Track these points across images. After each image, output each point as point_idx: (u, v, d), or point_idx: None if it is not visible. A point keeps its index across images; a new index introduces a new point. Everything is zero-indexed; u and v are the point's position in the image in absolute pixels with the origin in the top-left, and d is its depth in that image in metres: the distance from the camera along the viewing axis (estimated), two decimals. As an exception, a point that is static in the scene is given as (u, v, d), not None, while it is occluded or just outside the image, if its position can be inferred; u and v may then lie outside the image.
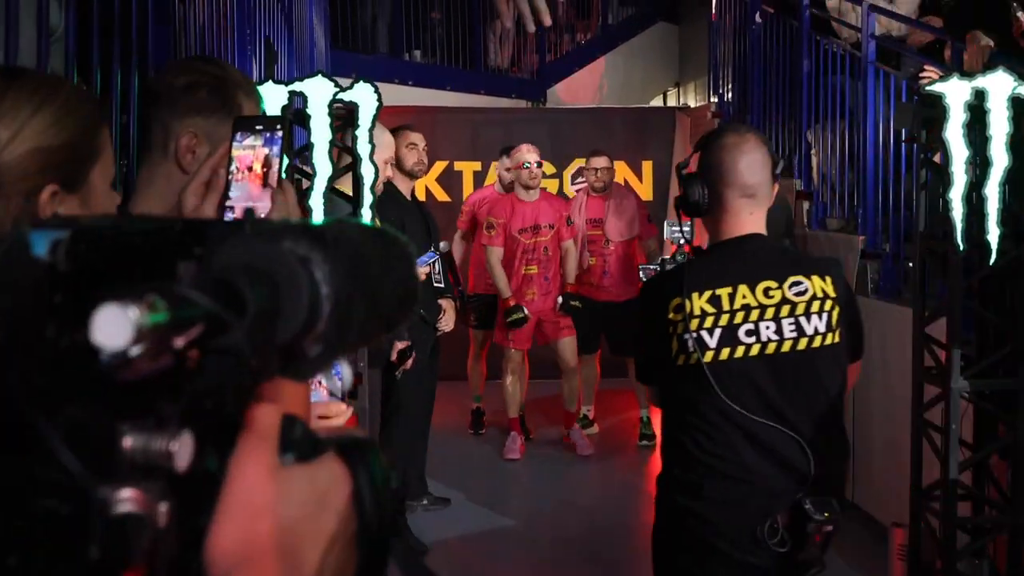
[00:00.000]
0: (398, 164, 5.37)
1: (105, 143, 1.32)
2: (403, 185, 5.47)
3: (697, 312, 2.65)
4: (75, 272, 0.65)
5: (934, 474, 4.52)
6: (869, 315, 5.42)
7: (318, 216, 3.89)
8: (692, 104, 10.31)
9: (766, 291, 2.68)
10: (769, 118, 7.68)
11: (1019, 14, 4.95)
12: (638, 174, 8.83)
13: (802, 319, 2.66)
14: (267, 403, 0.67)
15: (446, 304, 5.53)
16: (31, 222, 0.68)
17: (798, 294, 2.68)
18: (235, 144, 1.53)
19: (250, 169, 1.52)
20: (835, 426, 2.73)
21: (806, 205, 6.82)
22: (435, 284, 5.63)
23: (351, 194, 4.22)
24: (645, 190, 8.71)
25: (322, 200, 3.94)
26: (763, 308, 2.66)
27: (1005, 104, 4.13)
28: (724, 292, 2.68)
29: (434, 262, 5.53)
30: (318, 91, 3.94)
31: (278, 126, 1.53)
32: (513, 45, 10.26)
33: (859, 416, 5.76)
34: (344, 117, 4.09)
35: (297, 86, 3.95)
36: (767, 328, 2.65)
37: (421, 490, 5.87)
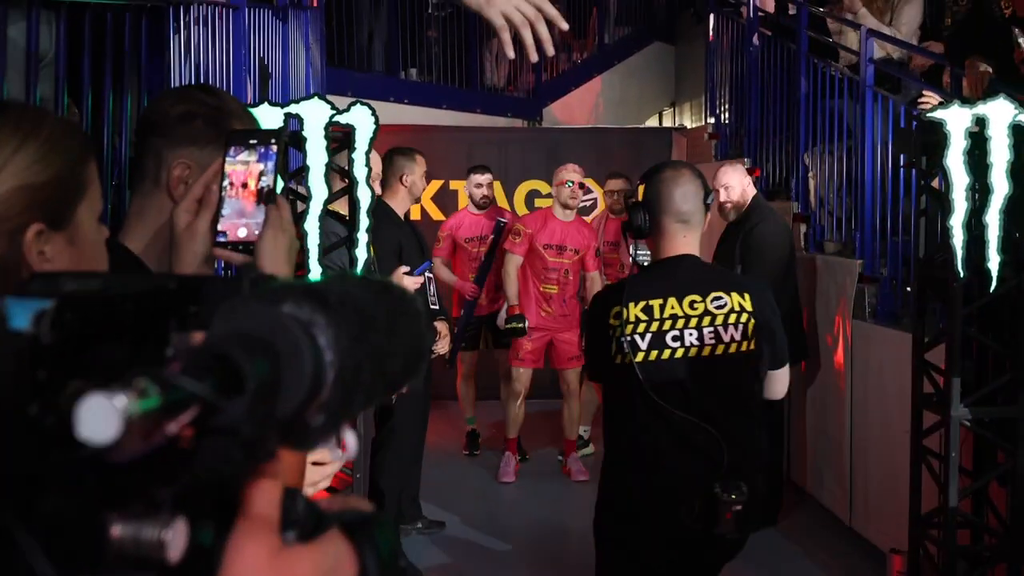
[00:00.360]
0: (411, 190, 5.41)
1: (92, 177, 1.27)
2: (401, 207, 5.46)
3: (632, 319, 3.11)
4: (60, 344, 0.62)
5: (932, 501, 4.50)
6: (866, 340, 5.60)
7: (313, 239, 3.84)
8: (688, 124, 10.25)
9: (691, 303, 3.13)
10: (766, 140, 7.64)
11: (1020, 40, 4.94)
12: (636, 194, 8.60)
13: (720, 328, 3.11)
14: (266, 478, 0.65)
15: (441, 327, 5.49)
16: (13, 290, 0.64)
17: (718, 307, 3.13)
18: (228, 159, 1.51)
19: (244, 185, 1.49)
20: (747, 420, 3.13)
21: (803, 228, 6.80)
22: (431, 306, 5.58)
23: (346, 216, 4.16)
24: None
25: (318, 223, 3.91)
26: (688, 318, 3.12)
27: (1006, 132, 4.13)
28: (656, 303, 3.13)
29: (428, 282, 5.46)
30: (314, 113, 3.90)
31: (272, 140, 1.51)
32: (509, 64, 10.27)
33: (856, 442, 5.72)
34: (341, 139, 4.06)
35: (293, 108, 3.92)
36: (690, 335, 3.10)
37: (415, 513, 5.81)
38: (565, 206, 6.75)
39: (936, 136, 4.21)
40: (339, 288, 0.67)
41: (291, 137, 3.87)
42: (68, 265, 1.20)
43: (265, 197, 1.50)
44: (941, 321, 4.58)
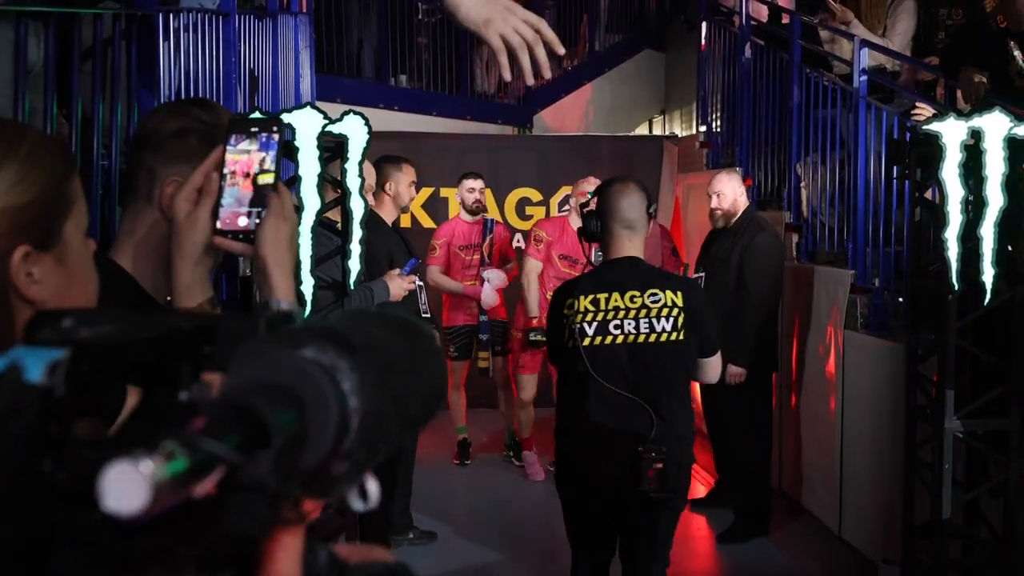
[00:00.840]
0: (396, 198, 5.37)
1: (76, 192, 1.22)
2: (388, 215, 5.41)
3: (582, 309, 3.67)
4: (73, 395, 0.60)
5: (925, 512, 4.50)
6: (858, 350, 5.59)
7: (306, 250, 3.80)
8: (679, 133, 10.23)
9: (631, 298, 3.66)
10: (758, 149, 7.60)
11: (1016, 52, 4.94)
12: None
13: (654, 320, 3.64)
14: (287, 532, 0.63)
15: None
16: (25, 340, 0.63)
17: (654, 302, 3.65)
18: (229, 147, 1.49)
19: (246, 174, 1.48)
20: (674, 398, 3.67)
21: (795, 238, 6.79)
22: (423, 315, 5.54)
23: (339, 226, 4.16)
24: None
25: (311, 234, 3.87)
26: (628, 310, 3.65)
27: (1001, 144, 4.12)
28: (602, 296, 3.68)
29: (420, 290, 5.43)
30: (307, 123, 3.87)
31: (274, 129, 1.49)
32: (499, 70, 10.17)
33: (848, 452, 5.72)
34: (333, 149, 4.02)
35: (285, 117, 3.89)
36: (629, 324, 3.65)
37: (406, 524, 5.77)
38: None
39: (931, 148, 4.21)
40: (362, 330, 0.65)
41: (284, 146, 3.91)
42: (58, 285, 1.17)
43: (266, 186, 1.48)
44: (933, 333, 4.60)
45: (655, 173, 8.88)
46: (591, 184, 6.61)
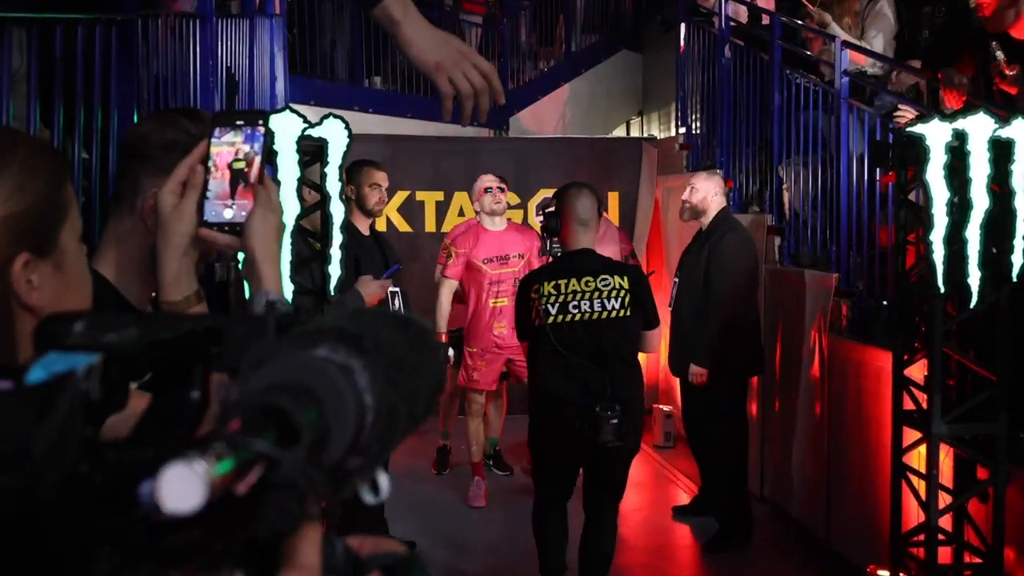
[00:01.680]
0: (358, 202, 5.31)
1: (70, 197, 1.24)
2: (361, 223, 5.39)
3: (546, 293, 4.46)
4: (107, 399, 0.63)
5: (911, 517, 4.54)
6: (843, 355, 5.60)
7: (284, 256, 3.81)
8: (657, 134, 10.26)
9: (586, 282, 4.47)
10: (739, 151, 7.64)
11: (998, 53, 5.00)
12: (606, 204, 8.58)
13: (605, 300, 4.46)
14: (308, 529, 0.66)
15: None
16: (40, 345, 0.66)
17: (605, 285, 4.47)
18: (214, 140, 1.51)
19: (230, 167, 1.50)
20: (624, 365, 4.51)
21: (777, 241, 6.82)
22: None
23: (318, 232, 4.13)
24: (612, 219, 8.52)
25: (290, 240, 3.90)
26: (583, 292, 4.44)
27: (985, 146, 4.16)
28: (563, 281, 4.48)
29: (393, 296, 5.34)
30: (285, 127, 3.89)
31: (260, 121, 1.51)
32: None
33: (833, 458, 5.75)
34: (313, 153, 4.03)
35: None
36: (585, 304, 4.44)
37: (380, 533, 5.72)
38: (492, 213, 6.64)
39: (915, 150, 4.24)
40: (369, 328, 0.68)
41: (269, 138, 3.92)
42: (57, 291, 1.19)
43: (239, 171, 1.51)
44: (919, 337, 4.62)
45: (634, 175, 8.89)
46: (488, 179, 6.79)
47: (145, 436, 0.62)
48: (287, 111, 3.95)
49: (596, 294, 4.45)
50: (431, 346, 0.74)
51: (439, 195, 8.41)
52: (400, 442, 0.69)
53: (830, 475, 5.75)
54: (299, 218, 3.94)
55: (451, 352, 6.30)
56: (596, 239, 4.73)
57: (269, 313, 0.75)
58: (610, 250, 6.86)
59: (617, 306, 4.46)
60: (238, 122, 1.52)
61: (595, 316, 4.45)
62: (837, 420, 5.69)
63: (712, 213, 5.98)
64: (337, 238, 4.15)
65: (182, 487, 0.53)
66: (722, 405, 5.82)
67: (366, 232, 5.36)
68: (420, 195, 8.47)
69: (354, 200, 5.26)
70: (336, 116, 4.10)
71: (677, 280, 6.07)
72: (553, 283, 4.48)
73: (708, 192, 6.00)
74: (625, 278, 4.52)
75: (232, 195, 1.51)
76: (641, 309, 4.53)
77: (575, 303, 4.45)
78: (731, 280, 5.73)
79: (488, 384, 6.77)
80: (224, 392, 0.63)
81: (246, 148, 1.51)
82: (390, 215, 8.30)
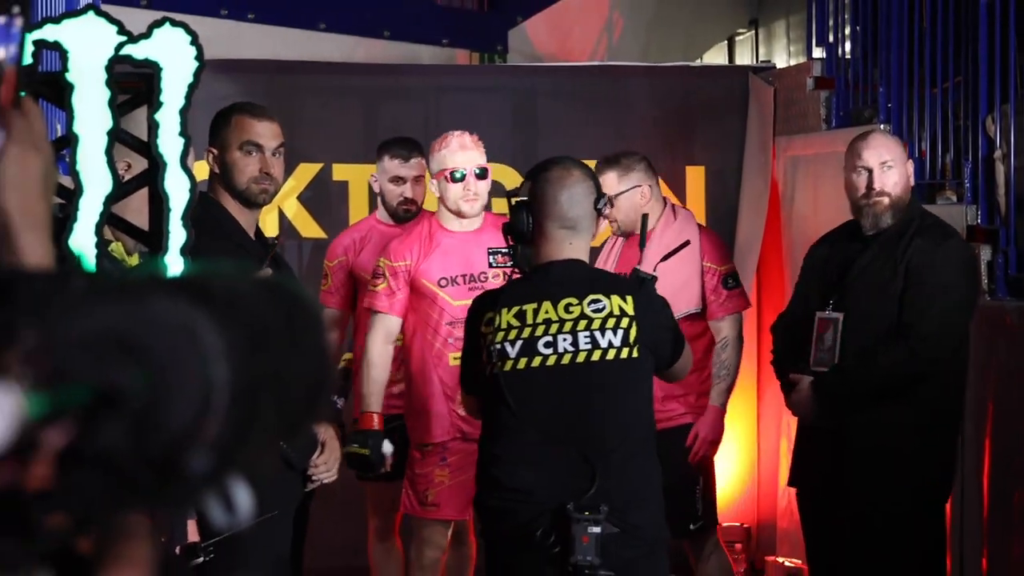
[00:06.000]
0: (225, 177, 4.48)
1: None
2: (241, 215, 4.50)
3: (504, 325, 3.88)
4: None
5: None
6: None
7: (80, 276, 1.95)
8: (778, 62, 8.71)
9: (567, 307, 3.87)
10: (917, 93, 6.28)
11: None
12: (679, 188, 7.15)
13: (597, 333, 3.84)
14: (132, 548, 0.66)
15: (325, 432, 4.46)
16: None
17: (596, 311, 3.85)
18: None
19: None
20: (631, 439, 3.82)
21: (985, 253, 5.71)
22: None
23: (145, 227, 3.61)
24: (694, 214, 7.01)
25: (94, 239, 3.36)
26: (562, 322, 3.85)
27: None
28: (530, 308, 3.89)
29: None
30: (87, 41, 3.43)
31: (14, 8, 1.28)
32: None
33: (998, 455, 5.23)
34: (136, 89, 3.58)
35: (48, 33, 3.41)
36: (564, 340, 3.83)
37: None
38: (459, 212, 5.35)
39: None
40: (223, 282, 0.67)
41: (45, 85, 3.45)
42: None
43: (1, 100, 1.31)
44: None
45: (733, 135, 7.39)
46: (457, 148, 5.72)
47: None
48: (90, 12, 3.48)
49: (583, 324, 3.85)
50: (312, 319, 0.73)
51: (375, 170, 6.61)
52: (265, 446, 0.68)
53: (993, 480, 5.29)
54: (109, 201, 3.37)
55: (387, 450, 5.30)
56: (614, 251, 4.92)
57: (76, 266, 0.88)
58: (685, 273, 6.00)
59: (617, 342, 3.82)
60: None
61: (580, 358, 3.84)
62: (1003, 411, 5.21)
63: (905, 203, 5.18)
64: (178, 235, 3.55)
65: None
66: (909, 555, 4.88)
67: (249, 231, 4.53)
68: (341, 171, 6.87)
69: (219, 174, 4.50)
70: (176, 24, 3.56)
71: (836, 318, 5.08)
72: (516, 310, 3.89)
73: (907, 169, 5.17)
74: (628, 299, 3.89)
75: None
76: (654, 347, 3.91)
77: (549, 339, 3.84)
78: (944, 319, 4.91)
79: (455, 511, 5.37)
80: (26, 338, 0.61)
81: None
82: (284, 206, 6.78)
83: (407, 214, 5.65)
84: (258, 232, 4.62)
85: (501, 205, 6.45)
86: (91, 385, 0.57)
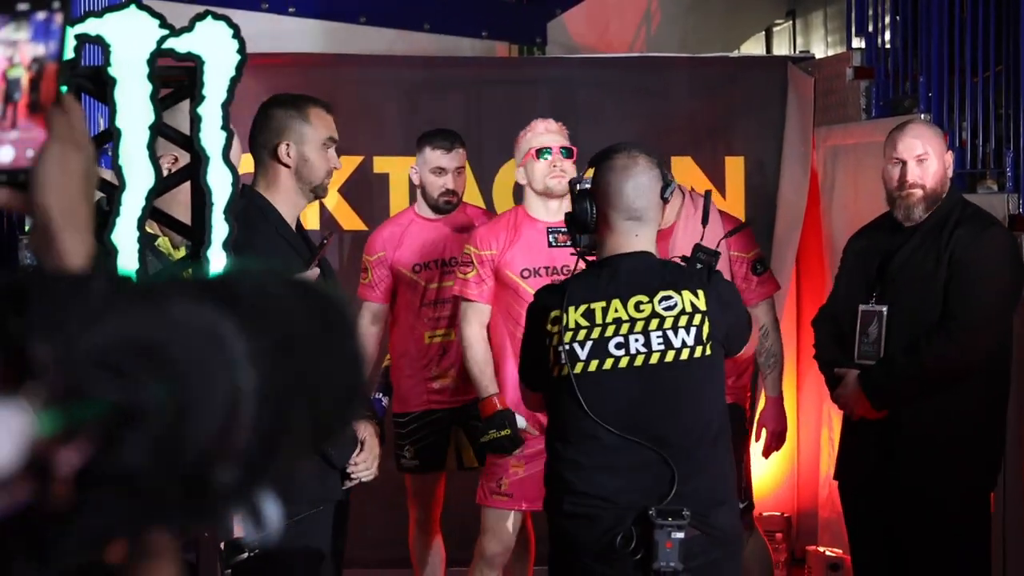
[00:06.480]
0: (302, 172, 4.43)
1: None
2: (287, 202, 4.39)
3: (572, 325, 3.74)
4: None
5: None
6: None
7: (130, 257, 3.33)
8: (817, 52, 8.61)
9: (637, 305, 3.74)
10: (958, 81, 6.26)
11: None
12: (718, 178, 7.07)
13: (670, 332, 3.73)
14: (157, 557, 0.64)
15: (364, 430, 4.41)
16: None
17: (667, 308, 3.73)
18: None
19: (4, 78, 1.32)
20: (707, 439, 3.70)
21: None
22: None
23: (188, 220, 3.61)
24: (733, 207, 6.88)
25: (136, 234, 3.35)
26: (633, 321, 3.73)
27: None
28: (598, 306, 3.76)
29: None
30: (129, 35, 3.42)
31: (56, 4, 1.30)
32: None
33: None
34: (179, 83, 3.57)
35: (91, 27, 3.39)
36: (636, 341, 3.71)
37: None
38: (546, 191, 5.33)
39: None
40: (251, 283, 0.65)
41: (90, 79, 3.46)
42: None
43: (15, 81, 1.33)
44: None
45: (773, 126, 7.33)
46: (543, 132, 5.74)
47: None
48: (132, 6, 3.46)
49: (655, 323, 3.73)
50: (344, 323, 0.71)
51: (413, 162, 6.64)
52: (298, 456, 0.64)
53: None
54: (152, 195, 3.40)
55: (522, 424, 5.35)
56: (670, 237, 4.72)
57: (98, 268, 0.76)
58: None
59: (690, 340, 3.72)
60: (21, 6, 1.31)
61: (654, 359, 3.73)
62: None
63: (943, 194, 5.16)
64: (220, 230, 3.54)
65: None
66: (955, 546, 4.86)
67: (292, 223, 4.50)
68: (381, 163, 6.83)
69: (293, 169, 4.44)
70: (219, 17, 3.53)
71: (880, 311, 5.08)
72: (584, 308, 3.77)
73: (945, 160, 5.12)
74: (700, 294, 3.76)
75: (11, 124, 1.32)
76: (728, 340, 3.82)
77: (620, 340, 3.73)
78: (999, 312, 4.93)
79: (527, 501, 5.35)
80: (39, 354, 0.59)
81: (32, 48, 1.32)
82: (325, 199, 6.38)
83: (448, 206, 5.63)
84: (299, 225, 4.65)
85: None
86: (108, 401, 0.55)
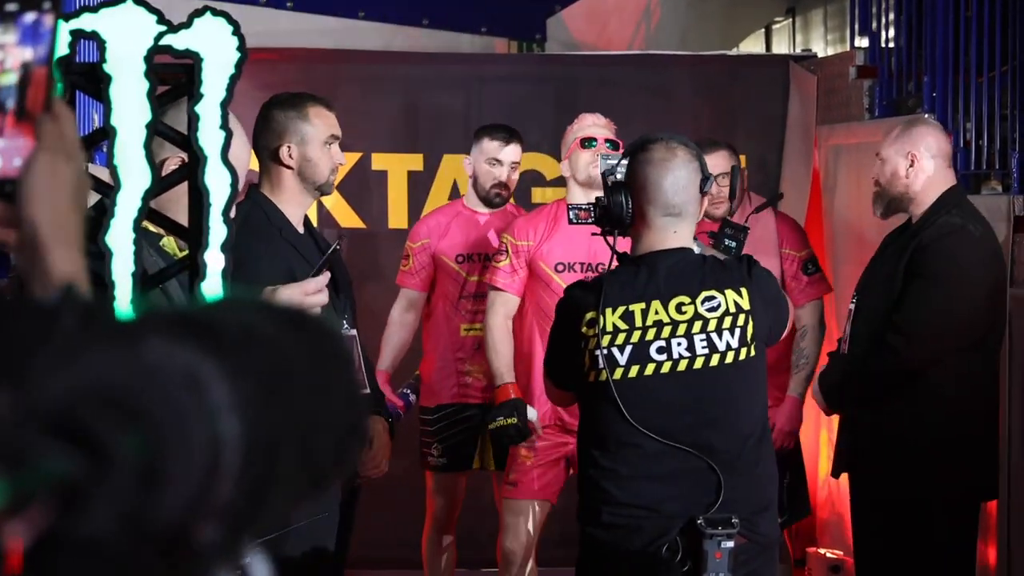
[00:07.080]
0: (305, 171, 4.46)
1: None
2: (291, 202, 4.43)
3: (610, 328, 3.59)
4: None
5: None
6: None
7: (124, 261, 3.13)
8: (819, 51, 8.68)
9: (679, 307, 3.58)
10: (962, 81, 6.25)
11: None
12: None
13: (714, 335, 3.57)
14: None
15: (372, 428, 4.45)
16: None
17: (710, 309, 3.58)
18: None
19: None
20: (753, 446, 3.58)
21: None
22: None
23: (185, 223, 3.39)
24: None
25: (132, 234, 3.15)
26: (675, 324, 3.57)
27: None
28: (637, 308, 3.60)
29: (351, 341, 4.54)
30: (126, 31, 3.18)
31: (46, 5, 1.28)
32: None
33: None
34: (176, 80, 3.34)
35: (86, 22, 3.17)
36: (679, 345, 3.56)
37: None
38: (589, 182, 5.28)
39: None
40: (237, 318, 0.61)
41: (83, 77, 3.32)
42: None
43: (8, 87, 1.31)
44: None
45: (774, 125, 7.39)
46: (591, 124, 5.67)
47: None
48: (129, 1, 3.21)
49: (698, 325, 3.56)
50: (339, 356, 0.68)
51: (415, 160, 6.81)
52: (288, 506, 0.60)
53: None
54: (148, 196, 3.21)
55: (532, 416, 5.33)
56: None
57: (66, 299, 0.69)
58: (764, 263, 5.66)
59: (736, 343, 3.56)
60: (9, 7, 1.28)
61: (699, 363, 3.57)
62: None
63: (928, 196, 5.04)
64: (219, 232, 3.36)
65: None
66: (939, 552, 4.94)
67: (299, 226, 4.46)
68: (380, 160, 6.81)
69: (296, 168, 4.47)
70: (218, 13, 3.28)
71: (853, 305, 5.18)
72: (622, 310, 3.61)
73: (903, 158, 5.00)
74: (744, 292, 3.60)
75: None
76: (770, 337, 3.71)
77: (662, 343, 3.57)
78: (945, 312, 4.83)
79: (530, 492, 5.37)
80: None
81: (20, 52, 1.29)
82: (323, 198, 6.47)
83: (498, 199, 5.63)
84: (308, 224, 4.67)
85: (542, 195, 6.85)
86: (63, 464, 0.51)
